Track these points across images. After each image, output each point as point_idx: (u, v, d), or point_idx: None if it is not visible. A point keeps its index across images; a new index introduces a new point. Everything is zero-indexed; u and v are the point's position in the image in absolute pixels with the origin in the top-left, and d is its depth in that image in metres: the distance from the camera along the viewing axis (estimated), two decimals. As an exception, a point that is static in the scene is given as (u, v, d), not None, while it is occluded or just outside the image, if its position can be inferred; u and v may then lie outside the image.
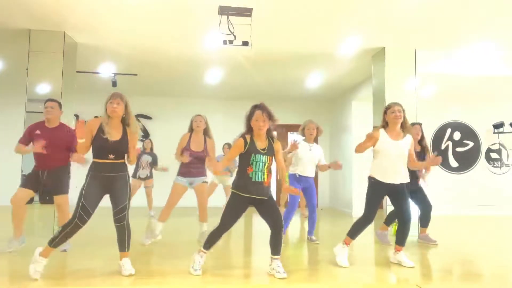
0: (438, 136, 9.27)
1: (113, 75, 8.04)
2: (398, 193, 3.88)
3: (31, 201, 4.32)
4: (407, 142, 3.90)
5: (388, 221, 5.19)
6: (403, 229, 3.91)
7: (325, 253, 4.54)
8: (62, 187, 4.22)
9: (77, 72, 6.88)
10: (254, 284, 3.33)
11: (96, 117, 3.90)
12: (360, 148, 3.97)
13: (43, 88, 5.94)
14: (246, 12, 5.10)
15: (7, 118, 9.40)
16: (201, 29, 5.81)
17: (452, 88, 8.60)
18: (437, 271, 3.82)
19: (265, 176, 3.40)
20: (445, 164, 9.14)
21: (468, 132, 9.31)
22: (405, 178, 3.90)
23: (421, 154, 5.02)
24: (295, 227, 6.99)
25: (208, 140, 4.84)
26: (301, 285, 3.29)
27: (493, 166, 9.28)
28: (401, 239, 3.93)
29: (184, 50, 6.80)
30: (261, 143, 3.42)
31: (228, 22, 5.15)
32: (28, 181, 4.21)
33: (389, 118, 3.91)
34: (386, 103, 6.31)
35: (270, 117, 3.40)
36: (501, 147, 9.32)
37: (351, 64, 7.45)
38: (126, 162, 3.45)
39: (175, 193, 4.78)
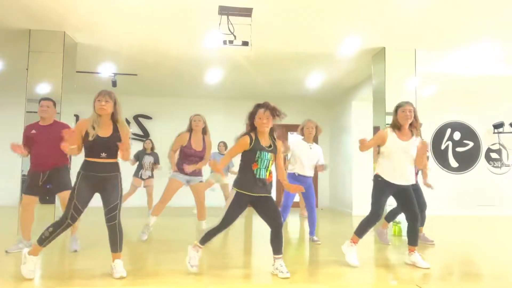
0: (438, 136, 9.27)
1: (113, 75, 8.04)
2: (404, 193, 3.86)
3: None
4: (415, 143, 3.86)
5: (389, 217, 5.19)
6: (412, 229, 3.89)
7: (326, 253, 4.55)
8: (65, 184, 4.23)
9: (77, 72, 6.88)
10: (255, 284, 3.33)
11: None
12: (364, 147, 3.89)
13: (43, 88, 5.94)
14: (246, 12, 5.10)
15: (7, 118, 9.39)
16: (201, 29, 5.81)
17: (452, 88, 8.60)
18: (437, 271, 3.82)
19: (268, 173, 3.42)
20: (445, 164, 9.15)
21: (468, 132, 9.31)
22: (411, 180, 3.88)
23: None
24: (295, 227, 7.00)
25: (206, 138, 4.91)
26: (302, 285, 3.29)
27: (493, 166, 9.28)
28: (412, 239, 3.91)
29: (184, 50, 6.80)
30: (265, 141, 3.43)
31: (228, 22, 5.15)
32: (32, 187, 4.21)
33: (399, 117, 3.87)
34: (386, 103, 6.38)
35: (274, 114, 3.39)
36: (501, 147, 9.33)
37: (351, 64, 7.45)
38: (119, 160, 3.40)
39: (171, 189, 4.85)
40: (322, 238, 5.28)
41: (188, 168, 4.70)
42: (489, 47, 6.51)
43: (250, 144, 3.38)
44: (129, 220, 7.18)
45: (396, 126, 3.90)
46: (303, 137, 5.14)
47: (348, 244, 3.91)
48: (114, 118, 3.35)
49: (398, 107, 3.92)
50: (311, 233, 5.15)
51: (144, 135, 10.22)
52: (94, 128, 3.25)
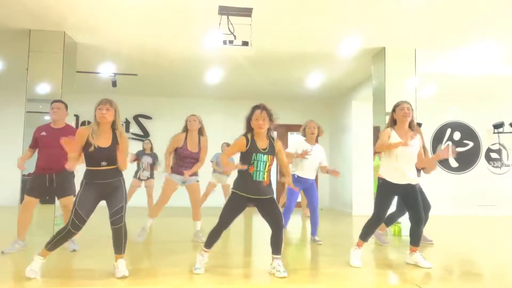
0: (438, 136, 9.27)
1: (113, 75, 8.04)
2: (408, 194, 3.83)
3: None
4: (416, 142, 3.83)
5: (388, 222, 5.19)
6: (416, 230, 3.88)
7: (326, 253, 4.54)
8: (69, 189, 4.23)
9: (77, 72, 6.88)
10: (254, 284, 3.33)
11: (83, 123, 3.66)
12: (381, 147, 3.80)
13: (43, 88, 5.94)
14: (246, 12, 5.10)
15: (7, 118, 9.40)
16: (201, 29, 5.81)
17: (452, 88, 8.60)
18: (437, 271, 3.82)
19: (265, 175, 3.42)
20: (445, 164, 9.15)
21: (468, 132, 9.31)
22: (414, 180, 3.85)
23: None
24: (296, 227, 6.99)
25: (202, 139, 4.88)
26: (302, 285, 3.29)
27: (493, 166, 9.28)
28: (415, 240, 3.90)
29: (184, 50, 6.80)
30: (262, 143, 3.43)
31: (228, 22, 5.15)
32: (36, 189, 4.21)
33: (397, 116, 3.83)
34: (386, 103, 6.38)
35: (270, 116, 3.42)
36: (501, 147, 9.33)
37: (351, 64, 7.45)
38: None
39: (167, 189, 4.83)
40: (322, 238, 5.28)
41: (186, 173, 4.71)
42: (489, 47, 6.51)
43: (247, 145, 3.39)
44: (129, 220, 7.19)
45: (395, 125, 3.88)
46: (305, 138, 5.13)
47: (353, 248, 3.91)
48: (113, 126, 3.34)
49: (396, 106, 3.91)
50: (313, 233, 5.15)
51: (144, 135, 10.22)
52: (93, 138, 3.24)
